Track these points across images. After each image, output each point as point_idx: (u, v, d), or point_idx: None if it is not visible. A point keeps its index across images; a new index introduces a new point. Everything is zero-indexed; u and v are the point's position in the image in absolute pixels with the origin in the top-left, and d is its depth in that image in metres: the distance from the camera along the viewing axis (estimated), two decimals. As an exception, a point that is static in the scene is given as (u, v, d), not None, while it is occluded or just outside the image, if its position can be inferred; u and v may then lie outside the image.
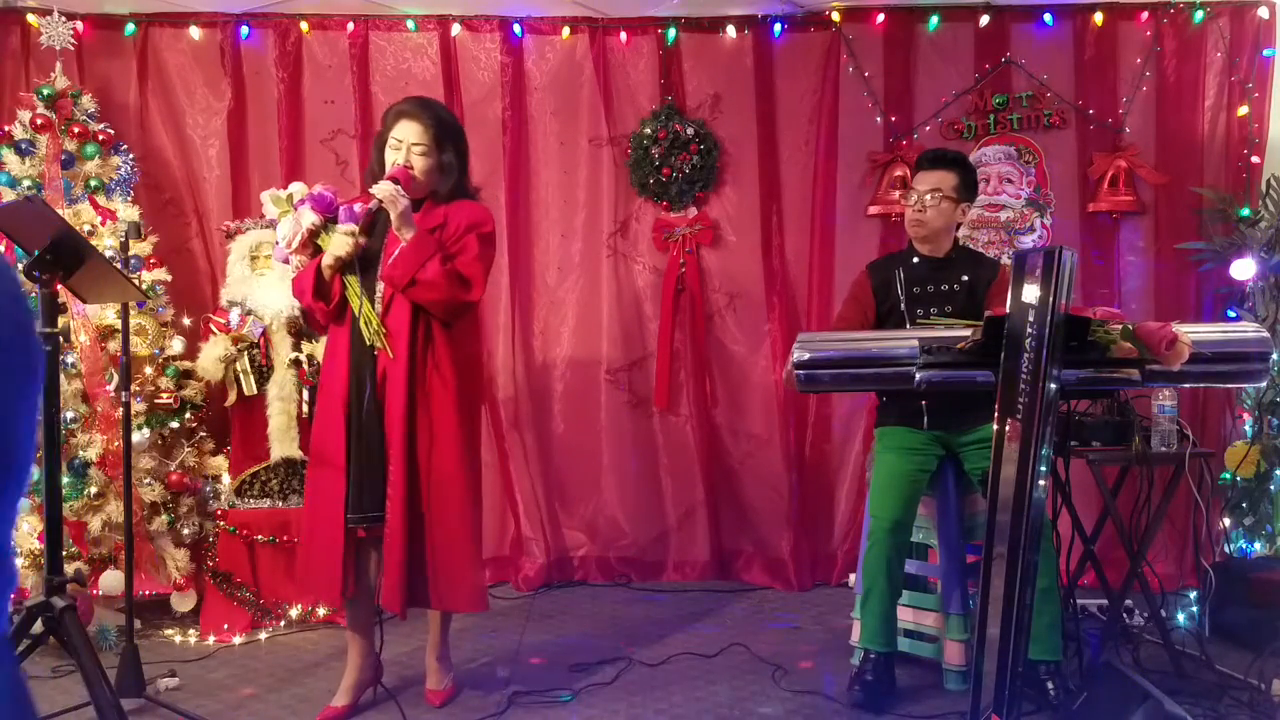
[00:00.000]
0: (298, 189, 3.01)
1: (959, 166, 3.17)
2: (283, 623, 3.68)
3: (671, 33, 4.20)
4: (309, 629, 3.67)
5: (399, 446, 2.73)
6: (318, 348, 3.76)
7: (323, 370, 2.93)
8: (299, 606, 3.68)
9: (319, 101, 4.22)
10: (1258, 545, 3.89)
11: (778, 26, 4.20)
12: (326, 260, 2.76)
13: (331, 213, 2.78)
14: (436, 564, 2.78)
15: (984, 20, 4.16)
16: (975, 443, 3.05)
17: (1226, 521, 3.88)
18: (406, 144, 2.79)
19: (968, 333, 2.49)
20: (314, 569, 2.84)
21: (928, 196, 3.11)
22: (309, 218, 2.75)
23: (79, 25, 3.94)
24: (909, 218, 3.18)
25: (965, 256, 3.25)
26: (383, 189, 2.69)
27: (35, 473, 3.36)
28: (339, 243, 2.73)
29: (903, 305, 3.16)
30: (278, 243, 2.87)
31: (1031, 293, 2.27)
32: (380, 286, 2.78)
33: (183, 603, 3.68)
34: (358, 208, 2.79)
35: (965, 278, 3.15)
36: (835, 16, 4.17)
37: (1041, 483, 2.21)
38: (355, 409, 2.77)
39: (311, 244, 2.79)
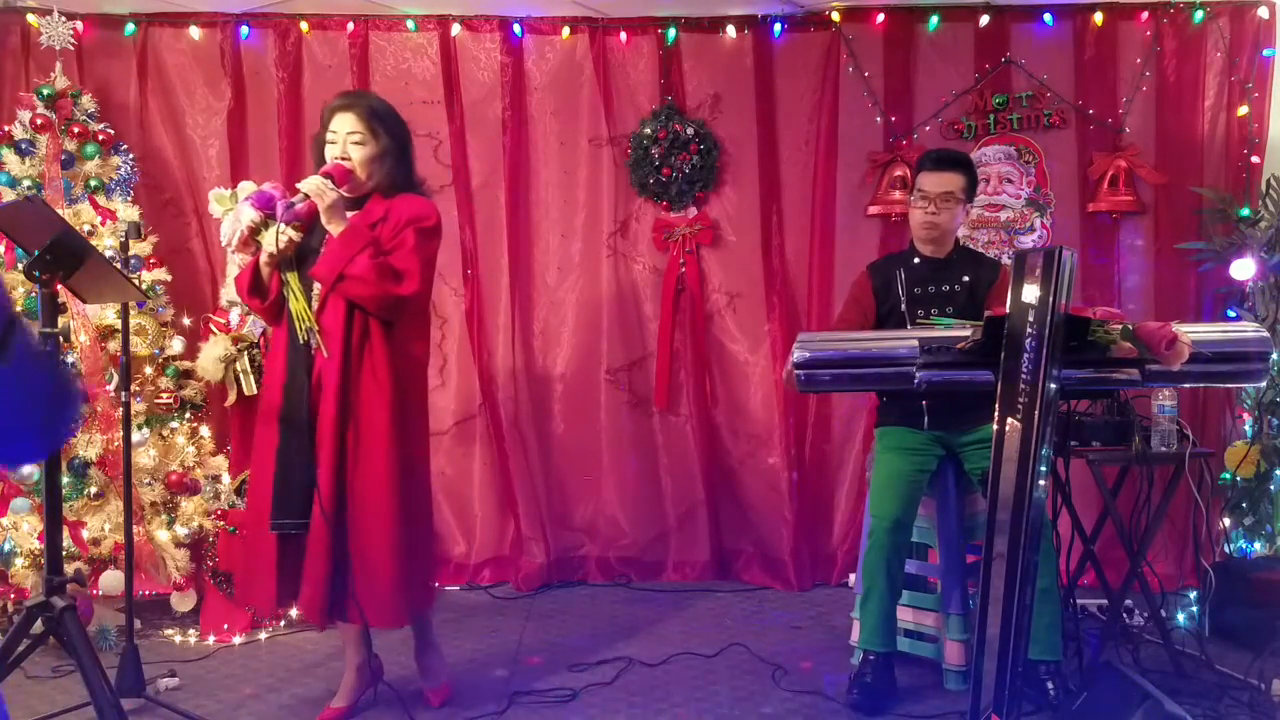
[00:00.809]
0: (244, 187, 2.97)
1: (965, 167, 3.17)
2: (283, 623, 3.68)
3: (671, 33, 4.20)
4: (309, 629, 3.67)
5: (328, 450, 2.63)
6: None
7: (264, 370, 2.87)
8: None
9: (319, 101, 4.18)
10: (1258, 545, 3.89)
11: (778, 26, 4.20)
12: (263, 258, 2.69)
13: (271, 209, 2.69)
14: (355, 576, 2.64)
15: (984, 20, 4.16)
16: (975, 443, 3.05)
17: (1226, 521, 3.88)
18: (341, 135, 2.70)
19: (968, 333, 2.49)
20: (247, 575, 2.79)
21: (941, 199, 3.11)
22: (248, 215, 2.65)
23: (79, 25, 3.94)
24: (920, 220, 3.14)
25: (966, 257, 3.25)
26: (309, 183, 2.62)
27: (35, 473, 3.36)
28: (272, 239, 2.64)
29: (903, 306, 3.15)
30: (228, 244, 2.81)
31: (1031, 293, 2.27)
32: (317, 284, 2.70)
33: (183, 603, 3.68)
34: (299, 205, 2.68)
35: (966, 278, 3.15)
36: (835, 16, 4.17)
37: (1041, 483, 2.21)
38: (285, 410, 2.68)
39: (253, 242, 2.69)
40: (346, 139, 2.71)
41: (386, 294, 2.63)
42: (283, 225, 2.65)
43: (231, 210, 2.75)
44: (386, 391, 2.68)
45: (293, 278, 2.69)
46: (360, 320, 2.68)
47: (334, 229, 2.65)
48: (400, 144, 2.79)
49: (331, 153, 2.73)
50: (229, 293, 3.77)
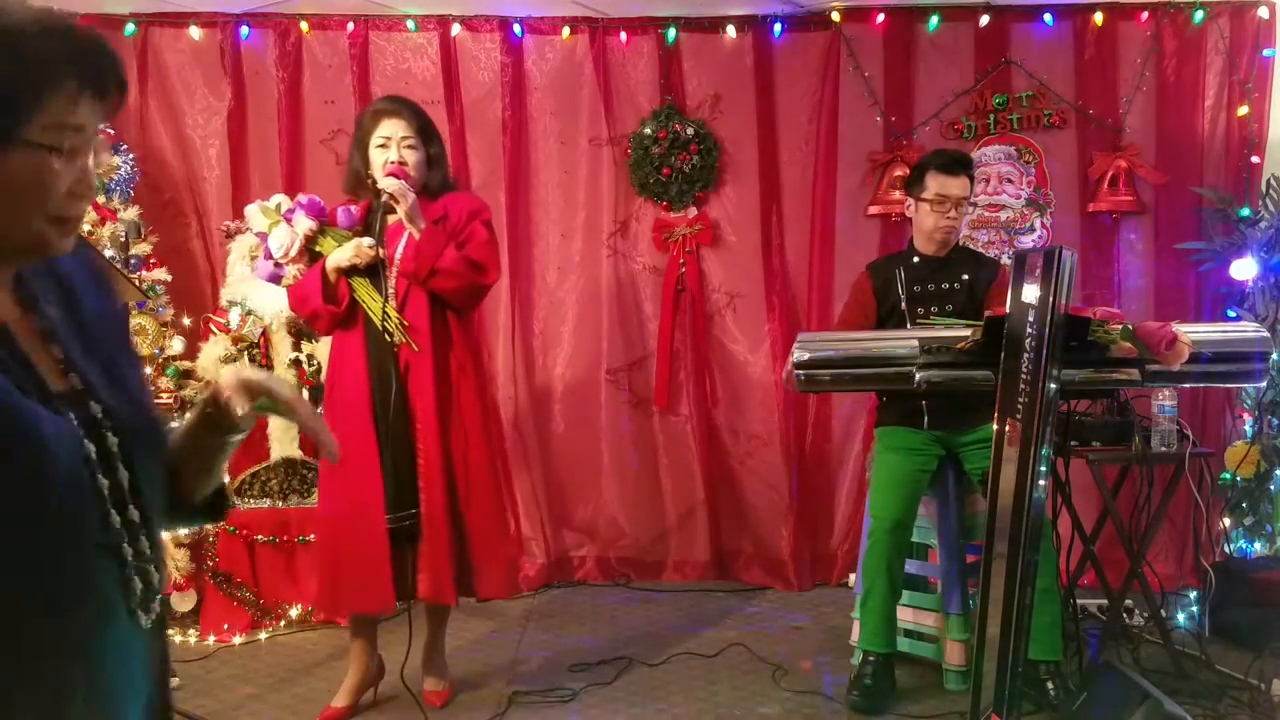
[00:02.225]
0: (281, 200, 3.01)
1: (972, 169, 3.20)
2: (283, 623, 3.68)
3: (671, 33, 4.20)
4: (309, 629, 3.67)
5: (434, 440, 2.75)
6: (318, 348, 3.76)
7: (332, 374, 2.89)
8: (299, 606, 3.68)
9: (319, 101, 4.22)
10: (1258, 545, 3.89)
11: (778, 26, 4.20)
12: (330, 265, 2.75)
13: (324, 217, 2.78)
14: (480, 553, 2.83)
15: (984, 20, 4.16)
16: (975, 442, 3.05)
17: (1226, 521, 3.88)
18: (395, 140, 2.78)
19: (968, 333, 2.49)
20: (356, 578, 2.78)
21: (957, 203, 3.12)
22: (305, 224, 2.75)
23: (79, 25, 3.93)
24: (938, 224, 3.13)
25: (965, 256, 3.25)
26: (391, 184, 2.70)
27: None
28: (352, 252, 2.73)
29: (903, 304, 3.15)
30: (268, 257, 2.83)
31: (1031, 293, 2.27)
32: (392, 282, 2.78)
33: (183, 603, 3.68)
34: (354, 209, 2.80)
35: (965, 276, 3.15)
36: (835, 16, 4.16)
37: (1041, 483, 2.21)
38: (381, 409, 2.75)
39: (308, 251, 2.78)
40: (400, 143, 2.79)
41: (475, 284, 2.80)
42: (369, 240, 2.75)
43: (279, 223, 2.78)
44: (473, 378, 2.86)
45: (364, 281, 2.77)
46: (442, 314, 2.81)
47: (417, 227, 2.74)
48: (442, 147, 2.92)
49: (385, 156, 2.80)
50: (229, 293, 3.77)
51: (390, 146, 2.78)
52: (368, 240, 2.75)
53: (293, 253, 2.78)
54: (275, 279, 2.93)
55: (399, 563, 2.82)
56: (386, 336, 2.75)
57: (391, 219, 2.80)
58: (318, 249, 2.78)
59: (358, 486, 2.75)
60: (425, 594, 2.84)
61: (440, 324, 2.80)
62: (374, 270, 2.78)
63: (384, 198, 2.72)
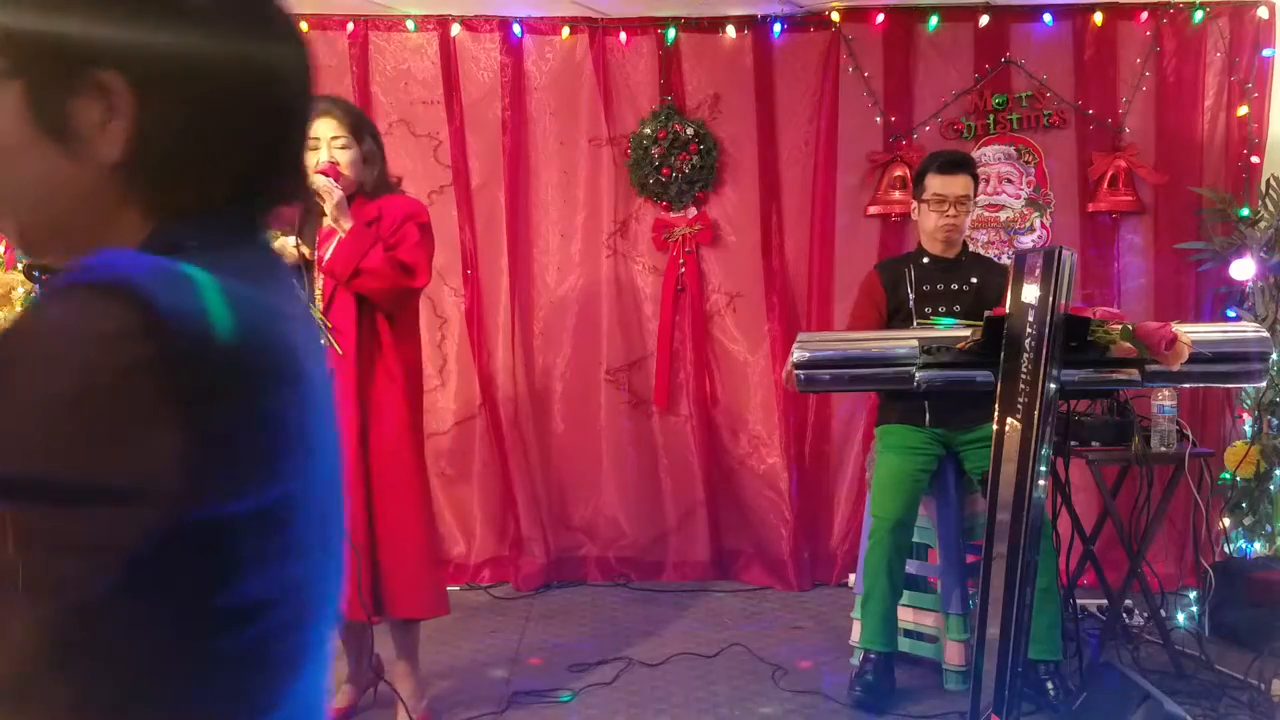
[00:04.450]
0: None
1: (974, 168, 3.21)
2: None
3: (671, 33, 4.20)
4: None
5: (351, 449, 2.64)
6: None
7: None
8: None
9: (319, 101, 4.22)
10: (1258, 545, 3.89)
11: (777, 26, 4.20)
12: None
13: None
14: (395, 571, 2.70)
15: (984, 20, 4.16)
16: (976, 442, 3.05)
17: (1226, 521, 3.88)
18: (325, 140, 2.72)
19: (968, 333, 2.50)
20: None
21: (958, 202, 3.12)
22: None
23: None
24: (940, 224, 3.14)
25: (975, 260, 3.28)
26: (319, 180, 2.64)
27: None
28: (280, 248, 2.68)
29: (911, 302, 3.16)
30: None
31: (1031, 293, 2.27)
32: (319, 283, 2.73)
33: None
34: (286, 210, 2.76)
35: (974, 279, 3.16)
36: (835, 16, 4.16)
37: (1041, 483, 2.21)
38: None
39: None
40: (330, 143, 2.73)
41: (400, 287, 2.70)
42: (293, 239, 2.69)
43: None
44: (401, 385, 2.74)
45: None
46: (369, 316, 2.73)
47: (343, 226, 2.68)
48: (379, 146, 2.84)
49: (313, 159, 2.73)
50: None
51: (321, 147, 2.72)
52: (292, 239, 2.70)
53: None
54: None
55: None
56: None
57: (325, 222, 2.76)
58: None
59: None
60: (343, 609, 2.77)
61: (368, 328, 2.72)
62: (299, 270, 2.73)
63: (315, 198, 2.67)
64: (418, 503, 2.76)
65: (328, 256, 2.71)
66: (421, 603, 2.78)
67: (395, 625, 2.85)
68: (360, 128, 2.78)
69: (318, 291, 2.74)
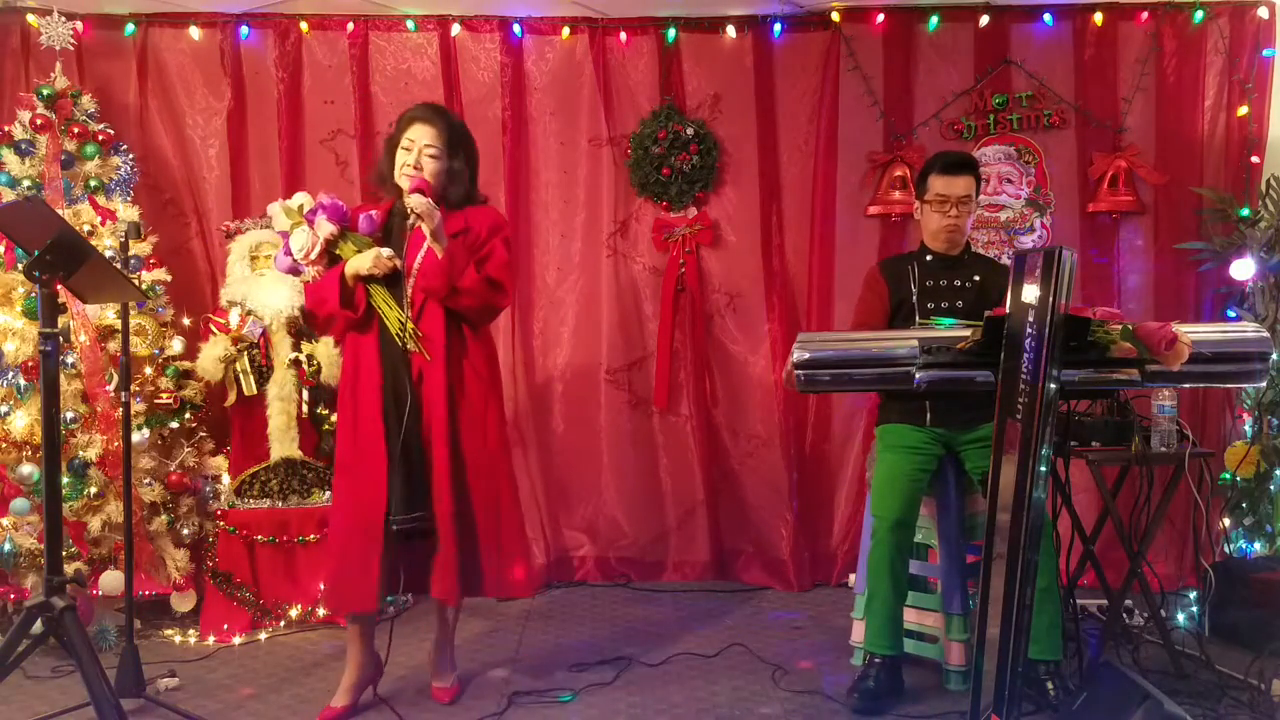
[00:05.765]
0: (303, 199, 3.04)
1: (976, 169, 3.21)
2: (282, 623, 3.68)
3: (671, 33, 4.20)
4: (309, 629, 3.67)
5: (443, 445, 2.77)
6: (318, 348, 3.76)
7: (347, 377, 2.90)
8: (299, 606, 3.68)
9: (319, 102, 4.22)
10: (1258, 545, 3.89)
11: (778, 26, 4.20)
12: (349, 271, 2.77)
13: (345, 222, 2.81)
14: (489, 554, 2.85)
15: (984, 20, 4.16)
16: (976, 441, 3.05)
17: (1226, 521, 3.88)
18: (418, 146, 2.82)
19: (968, 333, 2.50)
20: (349, 577, 2.81)
21: (960, 202, 3.12)
22: (326, 228, 2.78)
23: (79, 25, 3.93)
24: (942, 224, 3.14)
25: (978, 259, 3.28)
26: (418, 202, 2.71)
27: (35, 473, 3.36)
28: (371, 261, 2.75)
29: (914, 298, 3.16)
30: (287, 254, 2.86)
31: (1031, 293, 2.27)
32: (408, 292, 2.81)
33: (182, 603, 3.68)
34: (375, 214, 2.83)
35: (977, 278, 3.17)
36: (835, 16, 4.17)
37: (1041, 483, 2.21)
38: (393, 413, 2.78)
39: (328, 254, 2.81)
40: (423, 150, 2.82)
41: (491, 304, 2.85)
42: (388, 251, 2.79)
43: (300, 223, 2.80)
44: (486, 384, 2.90)
45: (380, 289, 2.81)
46: (456, 325, 2.84)
47: (440, 245, 2.76)
48: (471, 163, 2.95)
49: (402, 159, 2.84)
50: (229, 293, 3.77)
51: (412, 150, 2.81)
52: (387, 251, 2.78)
53: (313, 255, 2.80)
54: (294, 272, 2.95)
55: (395, 562, 2.85)
56: (400, 344, 2.78)
57: (411, 223, 2.81)
58: (337, 253, 2.81)
59: (363, 490, 2.79)
60: (435, 594, 2.87)
61: (455, 335, 2.84)
62: (392, 279, 2.81)
63: (410, 217, 2.75)
64: (509, 494, 2.94)
65: (417, 265, 2.81)
66: (517, 583, 2.93)
67: (440, 610, 3.03)
68: (456, 143, 2.88)
69: (408, 300, 2.82)
